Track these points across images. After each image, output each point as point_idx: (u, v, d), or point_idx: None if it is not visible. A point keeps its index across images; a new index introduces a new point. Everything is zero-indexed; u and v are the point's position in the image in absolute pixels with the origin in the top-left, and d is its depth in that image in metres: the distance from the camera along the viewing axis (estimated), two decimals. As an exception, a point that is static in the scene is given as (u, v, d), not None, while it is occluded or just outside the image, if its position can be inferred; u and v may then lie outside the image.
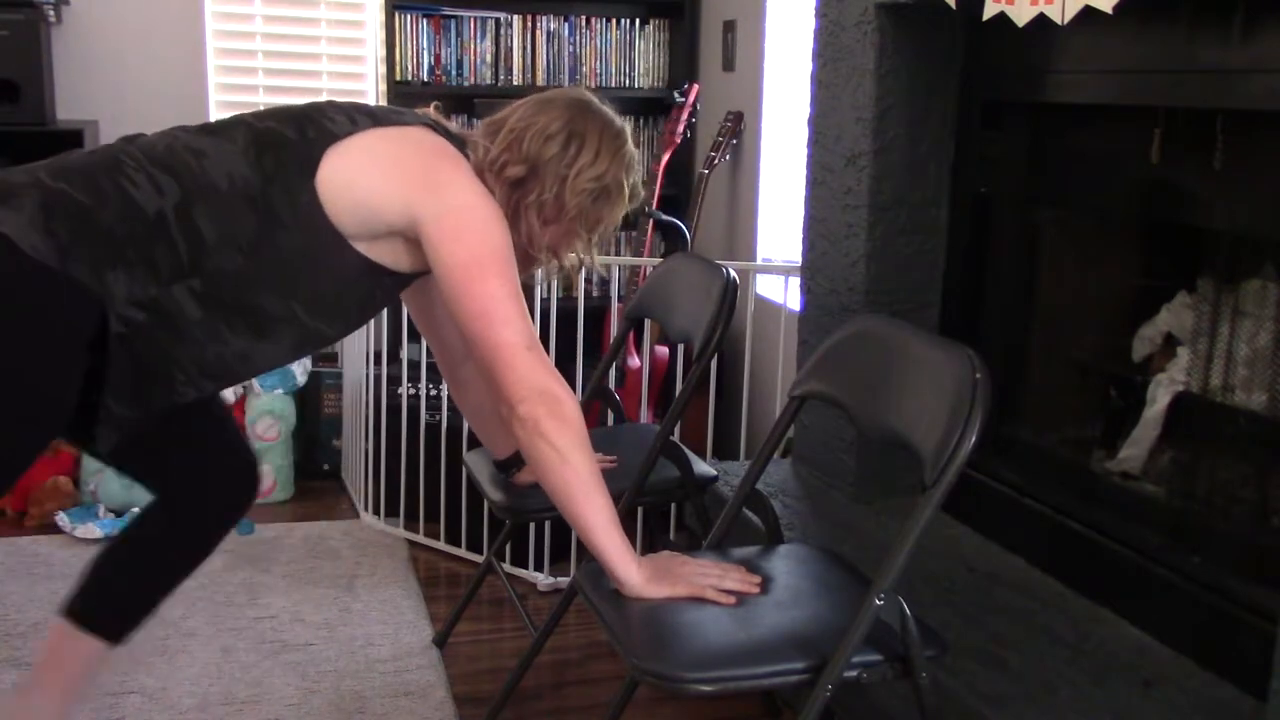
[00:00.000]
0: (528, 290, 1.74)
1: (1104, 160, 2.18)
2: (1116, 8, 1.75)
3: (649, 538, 2.85)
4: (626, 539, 1.66)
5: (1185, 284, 2.10)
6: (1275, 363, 1.90)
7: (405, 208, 1.67)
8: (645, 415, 3.37)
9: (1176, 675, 1.84)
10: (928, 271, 2.55)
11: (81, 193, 1.57)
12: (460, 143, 1.79)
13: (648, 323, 3.08)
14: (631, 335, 3.33)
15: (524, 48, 3.96)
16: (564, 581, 2.86)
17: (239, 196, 1.62)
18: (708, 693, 1.51)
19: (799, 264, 2.78)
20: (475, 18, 3.91)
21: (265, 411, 3.50)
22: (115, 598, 1.95)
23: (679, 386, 3.13)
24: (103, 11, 3.67)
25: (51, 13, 3.42)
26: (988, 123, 2.44)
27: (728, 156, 3.63)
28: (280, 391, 3.59)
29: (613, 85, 4.04)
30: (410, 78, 3.88)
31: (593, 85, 4.02)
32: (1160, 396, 2.10)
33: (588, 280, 3.93)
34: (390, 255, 1.73)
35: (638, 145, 4.12)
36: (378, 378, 3.30)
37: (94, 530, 3.12)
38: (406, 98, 3.88)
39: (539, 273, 1.94)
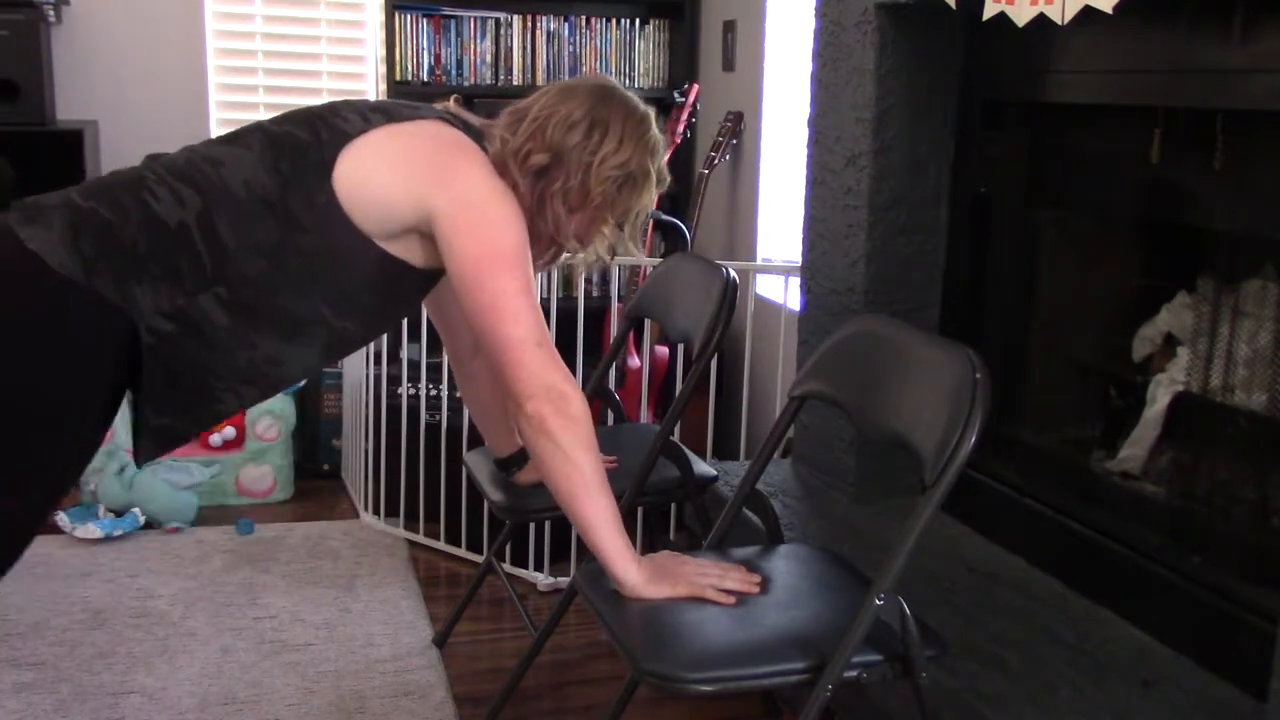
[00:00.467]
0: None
1: (1104, 160, 2.18)
2: (1116, 8, 1.75)
3: (649, 538, 2.85)
4: (628, 539, 1.66)
5: (1185, 284, 2.10)
6: (1275, 363, 1.90)
7: (418, 203, 1.66)
8: (645, 415, 3.37)
9: (1176, 675, 1.84)
10: (928, 271, 2.54)
11: (106, 209, 1.59)
12: (478, 135, 1.78)
13: (648, 323, 3.08)
14: (631, 335, 3.33)
15: (524, 48, 3.96)
16: (564, 581, 2.86)
17: (258, 202, 1.63)
18: (708, 693, 1.51)
19: (799, 264, 2.78)
20: (475, 18, 3.91)
21: (265, 411, 3.50)
22: None
23: (679, 386, 3.13)
24: (103, 11, 3.66)
25: (51, 13, 3.42)
26: (988, 123, 2.44)
27: (728, 156, 3.63)
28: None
29: (613, 85, 4.04)
30: (410, 78, 3.88)
31: (593, 85, 4.01)
32: (1160, 396, 2.10)
33: (588, 280, 3.94)
34: (411, 252, 1.72)
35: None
36: (378, 378, 3.30)
37: (94, 530, 3.12)
38: (407, 98, 3.88)
39: (568, 265, 1.92)
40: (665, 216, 3.77)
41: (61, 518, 3.19)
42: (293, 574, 3.01)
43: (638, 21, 4.03)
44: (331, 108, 1.74)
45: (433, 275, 1.79)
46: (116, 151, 3.72)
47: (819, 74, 2.64)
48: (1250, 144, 1.82)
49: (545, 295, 3.09)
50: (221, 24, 3.85)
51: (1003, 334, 2.47)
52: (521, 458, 2.24)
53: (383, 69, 3.86)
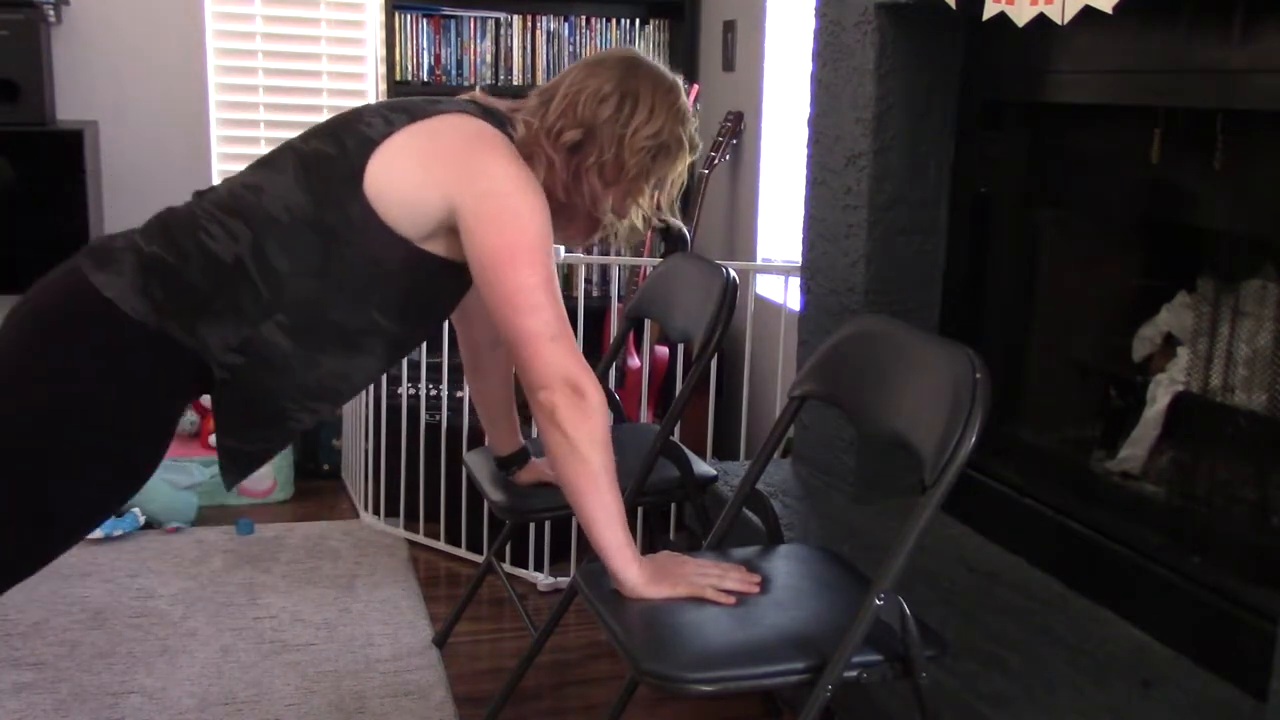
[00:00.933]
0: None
1: (1104, 160, 2.18)
2: (1116, 8, 1.75)
3: (649, 538, 2.85)
4: (630, 538, 1.66)
5: (1185, 284, 2.10)
6: (1275, 363, 1.90)
7: (444, 198, 1.67)
8: (645, 415, 3.37)
9: (1176, 675, 1.84)
10: (928, 271, 2.54)
11: (170, 254, 1.64)
12: (503, 121, 1.78)
13: (648, 323, 3.08)
14: (631, 335, 3.33)
15: (524, 48, 3.96)
16: (564, 581, 2.86)
17: (299, 223, 1.66)
18: (708, 693, 1.51)
19: (799, 264, 2.78)
20: (475, 18, 3.91)
21: (265, 411, 3.49)
22: None
23: (679, 386, 3.13)
24: (103, 11, 3.66)
25: (51, 13, 3.42)
26: (988, 123, 2.44)
27: (728, 156, 3.63)
28: (280, 391, 3.60)
29: (613, 85, 4.04)
30: (410, 78, 3.88)
31: (593, 85, 4.01)
32: (1160, 396, 2.10)
33: (588, 280, 3.94)
34: (449, 248, 1.72)
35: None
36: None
37: (93, 530, 3.12)
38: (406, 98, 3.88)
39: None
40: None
41: (61, 518, 3.19)
42: (293, 574, 3.01)
43: (638, 21, 4.03)
44: (355, 114, 1.75)
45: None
46: (116, 151, 3.72)
47: (819, 74, 2.64)
48: (1250, 144, 1.82)
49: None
50: (221, 24, 3.85)
51: (1003, 334, 2.47)
52: (522, 457, 2.24)
53: (383, 69, 3.86)
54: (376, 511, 3.33)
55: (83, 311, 1.61)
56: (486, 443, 2.32)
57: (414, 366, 3.28)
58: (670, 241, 3.87)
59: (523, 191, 1.68)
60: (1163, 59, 1.92)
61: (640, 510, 2.84)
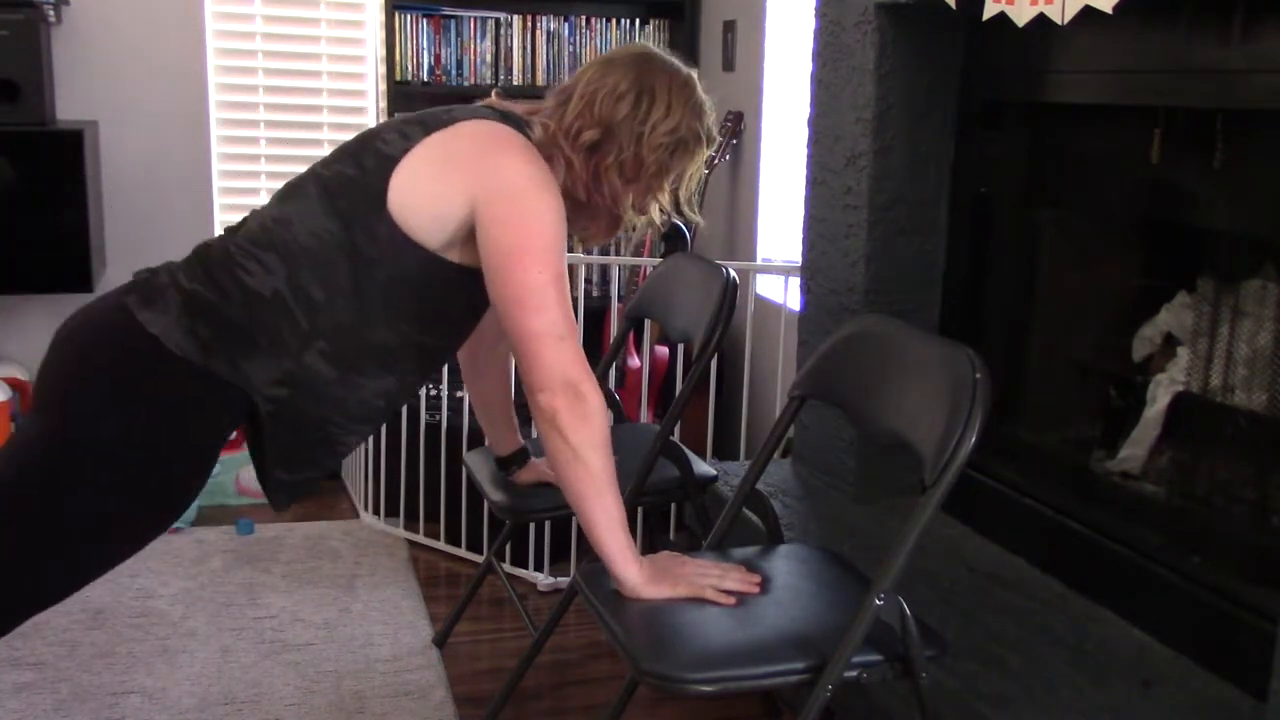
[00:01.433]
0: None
1: (1104, 160, 2.18)
2: (1116, 8, 1.75)
3: (649, 538, 2.85)
4: (630, 539, 1.66)
5: (1185, 284, 2.10)
6: (1275, 363, 1.90)
7: (464, 201, 1.67)
8: (645, 415, 3.37)
9: (1176, 675, 1.84)
10: (928, 271, 2.54)
11: (210, 292, 1.66)
12: (520, 123, 1.78)
13: (648, 323, 3.08)
14: (631, 335, 3.33)
15: (524, 48, 3.96)
16: (564, 581, 2.86)
17: (329, 248, 1.67)
18: (708, 693, 1.51)
19: (799, 264, 2.78)
20: (475, 18, 3.90)
21: (265, 411, 3.49)
22: None
23: (679, 386, 3.13)
24: (103, 11, 3.66)
25: (51, 13, 3.41)
26: (988, 123, 2.44)
27: (728, 156, 3.63)
28: (280, 391, 3.59)
29: (613, 85, 4.04)
30: (410, 78, 3.88)
31: (593, 85, 4.01)
32: (1160, 396, 2.10)
33: (588, 280, 3.93)
34: (473, 256, 1.72)
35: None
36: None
37: (94, 530, 3.12)
38: (406, 98, 3.88)
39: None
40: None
41: (61, 518, 3.19)
42: (293, 574, 3.01)
43: (638, 21, 4.03)
44: (372, 133, 1.76)
45: None
46: (116, 151, 3.72)
47: (819, 74, 2.64)
48: (1250, 144, 1.82)
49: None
50: (221, 24, 3.84)
51: (1003, 334, 2.47)
52: (521, 457, 2.24)
53: (383, 69, 3.86)
54: (376, 511, 3.33)
55: (128, 347, 1.64)
56: (486, 443, 2.32)
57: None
58: (670, 241, 3.87)
59: (538, 190, 1.68)
60: (1163, 59, 1.92)
61: (640, 510, 2.84)
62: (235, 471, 3.48)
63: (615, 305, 3.24)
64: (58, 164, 3.36)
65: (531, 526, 2.98)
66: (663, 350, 3.58)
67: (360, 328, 1.70)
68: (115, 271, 3.76)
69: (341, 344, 1.69)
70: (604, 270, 3.94)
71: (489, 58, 3.94)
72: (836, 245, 2.60)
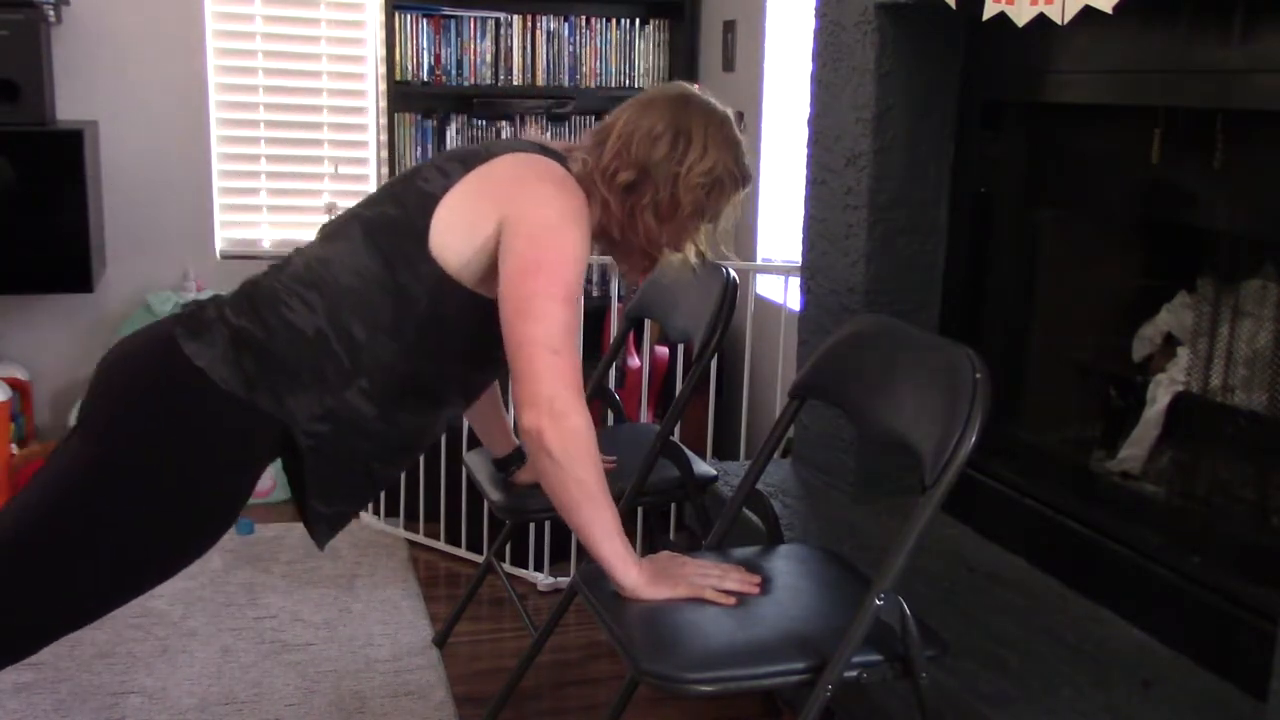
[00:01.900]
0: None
1: (1104, 160, 2.18)
2: (1116, 8, 1.75)
3: (649, 538, 2.85)
4: (628, 543, 1.66)
5: (1185, 284, 2.10)
6: (1275, 363, 1.90)
7: (495, 226, 1.68)
8: (645, 415, 3.37)
9: (1176, 675, 1.84)
10: (928, 271, 2.54)
11: (257, 328, 1.68)
12: (559, 157, 1.79)
13: (648, 323, 3.08)
14: (631, 335, 3.33)
15: (524, 48, 3.96)
16: (564, 581, 2.86)
17: (371, 287, 1.69)
18: (708, 693, 1.51)
19: (799, 264, 2.78)
20: (475, 18, 3.90)
21: (265, 411, 3.49)
22: None
23: (679, 386, 3.13)
24: (103, 11, 3.66)
25: (51, 13, 3.41)
26: (988, 123, 2.44)
27: (728, 156, 3.62)
28: (280, 391, 3.59)
29: (613, 85, 4.04)
30: (410, 78, 3.88)
31: (593, 85, 4.02)
32: (1160, 396, 2.10)
33: (587, 280, 3.93)
34: None
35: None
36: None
37: (94, 530, 3.12)
38: (406, 98, 3.89)
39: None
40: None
41: (61, 518, 3.19)
42: (293, 574, 3.01)
43: (638, 21, 4.03)
44: (413, 172, 1.78)
45: None
46: (116, 151, 3.72)
47: (819, 74, 2.64)
48: (1250, 144, 1.82)
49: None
50: (221, 24, 3.84)
51: (1003, 334, 2.47)
52: (520, 457, 2.24)
53: (383, 69, 3.86)
54: (376, 511, 3.33)
55: (174, 378, 1.66)
56: (484, 444, 2.32)
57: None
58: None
59: (567, 219, 1.69)
60: (1163, 59, 1.92)
61: (640, 510, 2.84)
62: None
63: (615, 305, 3.24)
64: (58, 164, 3.36)
65: (531, 526, 2.98)
66: (663, 350, 3.58)
67: (401, 366, 1.72)
68: (115, 271, 3.76)
69: (383, 382, 1.71)
70: (604, 270, 3.94)
71: (489, 58, 3.94)
72: (836, 245, 2.60)
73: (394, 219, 1.72)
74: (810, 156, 2.69)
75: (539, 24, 3.96)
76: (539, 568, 3.01)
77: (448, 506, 3.17)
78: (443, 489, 3.15)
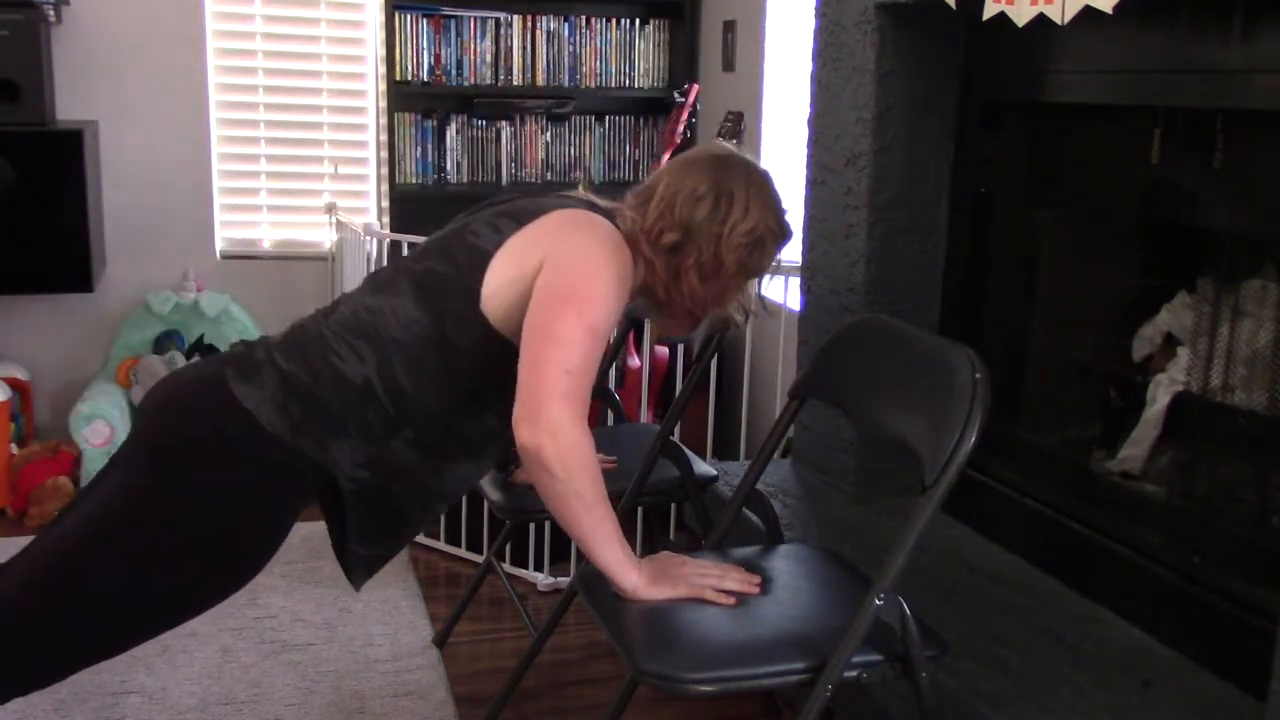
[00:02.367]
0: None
1: (1104, 160, 2.18)
2: (1116, 8, 1.75)
3: (649, 538, 2.85)
4: (627, 547, 1.66)
5: (1185, 284, 2.10)
6: (1275, 363, 1.90)
7: (538, 266, 1.69)
8: (645, 415, 3.37)
9: (1176, 675, 1.84)
10: (928, 271, 2.54)
11: (305, 374, 1.70)
12: (608, 214, 1.81)
13: (648, 323, 3.08)
14: (631, 335, 3.33)
15: (524, 48, 3.96)
16: (564, 581, 2.86)
17: (420, 341, 1.71)
18: (708, 693, 1.51)
19: (799, 264, 2.78)
20: (475, 18, 3.91)
21: (265, 411, 3.49)
22: None
23: (679, 386, 3.13)
24: (103, 11, 3.66)
25: (51, 13, 3.41)
26: (988, 123, 2.44)
27: (728, 156, 3.63)
28: (280, 391, 3.59)
29: (613, 85, 4.04)
30: (410, 78, 3.88)
31: (593, 85, 4.02)
32: (1160, 396, 2.10)
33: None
34: None
35: (636, 145, 4.14)
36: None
37: (94, 530, 3.12)
38: (406, 98, 3.89)
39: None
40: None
41: (61, 518, 3.19)
42: (293, 574, 3.01)
43: (638, 21, 4.03)
44: (463, 226, 1.79)
45: None
46: (116, 151, 3.73)
47: (819, 74, 2.64)
48: (1250, 144, 1.82)
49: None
50: (221, 24, 3.85)
51: (1003, 334, 2.47)
52: (519, 457, 2.24)
53: (383, 69, 3.86)
54: (376, 511, 3.33)
55: (221, 419, 1.68)
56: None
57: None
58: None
59: (607, 265, 1.70)
60: (1163, 59, 1.92)
61: (640, 510, 2.84)
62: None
63: (615, 305, 3.24)
64: (58, 164, 3.36)
65: (531, 526, 2.98)
66: (663, 350, 3.58)
67: (447, 418, 1.73)
68: (115, 271, 3.77)
69: (428, 433, 1.73)
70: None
71: (489, 58, 3.94)
72: (836, 245, 2.60)
73: (444, 275, 1.74)
74: (810, 156, 2.69)
75: (539, 24, 3.96)
76: (539, 568, 3.01)
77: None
78: (443, 489, 3.15)
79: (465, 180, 3.99)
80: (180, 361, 3.70)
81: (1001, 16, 1.98)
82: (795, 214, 2.87)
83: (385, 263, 3.39)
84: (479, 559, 3.05)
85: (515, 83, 3.97)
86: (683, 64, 4.02)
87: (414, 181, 3.96)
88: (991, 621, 2.01)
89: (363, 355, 1.71)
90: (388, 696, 2.44)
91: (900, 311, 2.50)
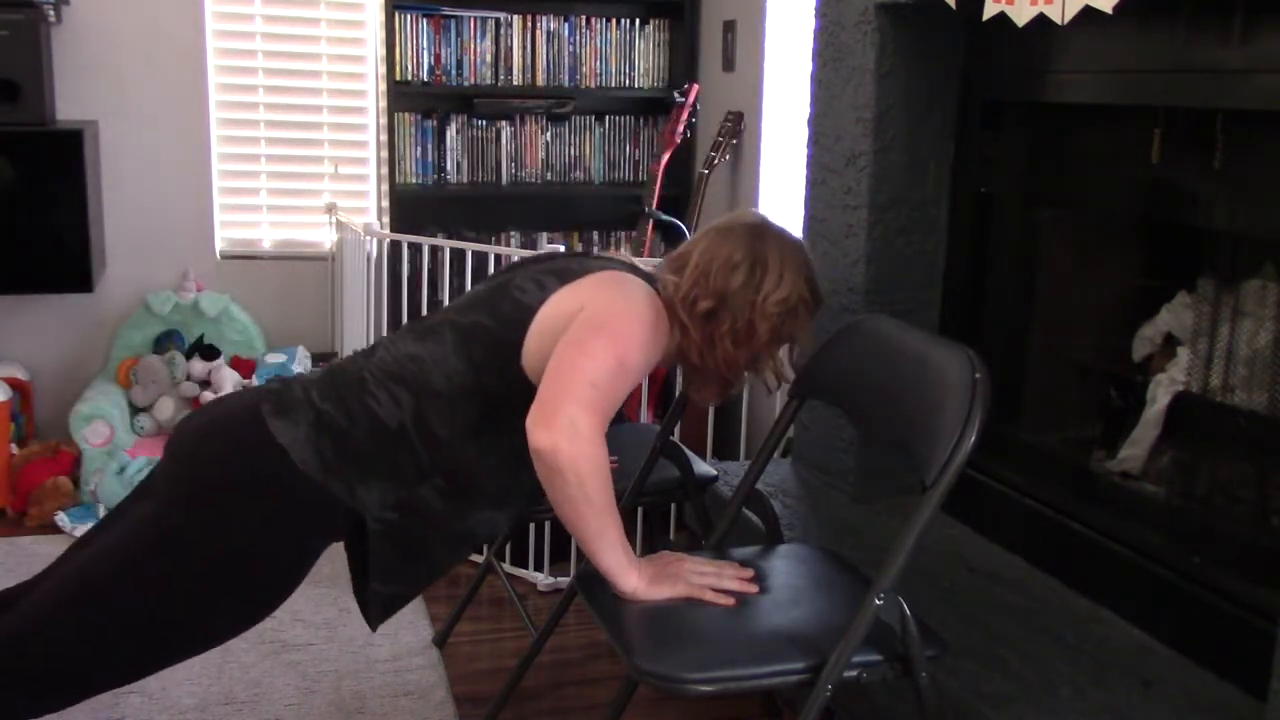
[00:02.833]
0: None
1: (1104, 160, 2.18)
2: (1116, 8, 1.75)
3: (649, 538, 2.85)
4: (629, 549, 1.67)
5: (1185, 284, 2.10)
6: (1275, 363, 1.90)
7: (574, 316, 1.70)
8: (645, 415, 3.37)
9: (1176, 675, 1.84)
10: (928, 271, 2.54)
11: (340, 414, 1.72)
12: (649, 278, 1.84)
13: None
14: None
15: (524, 48, 3.96)
16: (564, 581, 2.86)
17: (458, 391, 1.73)
18: (708, 693, 1.51)
19: (799, 264, 2.78)
20: (475, 18, 3.90)
21: (265, 411, 3.49)
22: None
23: (679, 386, 3.13)
24: (103, 11, 3.66)
25: (51, 13, 3.41)
26: (988, 123, 2.44)
27: (728, 156, 3.63)
28: (280, 391, 3.59)
29: (613, 85, 4.04)
30: (410, 78, 3.88)
31: (593, 85, 4.02)
32: (1160, 396, 2.10)
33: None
34: None
35: (636, 145, 4.14)
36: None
37: (94, 530, 3.12)
38: (406, 97, 3.89)
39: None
40: (665, 216, 3.77)
41: (61, 518, 3.19)
42: (293, 574, 3.01)
43: (638, 21, 4.03)
44: (508, 280, 1.81)
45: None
46: (116, 151, 3.73)
47: (819, 74, 2.64)
48: (1250, 144, 1.82)
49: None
50: (221, 24, 3.85)
51: (1003, 334, 2.47)
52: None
53: (383, 69, 3.86)
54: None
55: (255, 454, 1.70)
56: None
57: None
58: (670, 239, 3.87)
59: (645, 317, 1.72)
60: (1163, 59, 1.92)
61: (640, 510, 2.84)
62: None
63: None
64: (58, 164, 3.36)
65: (531, 526, 2.98)
66: (663, 350, 3.57)
67: (478, 469, 1.75)
68: (115, 271, 3.77)
69: (457, 481, 1.74)
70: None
71: (489, 58, 3.94)
72: (836, 245, 2.60)
73: (487, 328, 1.76)
74: (810, 156, 2.69)
75: (539, 24, 3.96)
76: (539, 568, 3.01)
77: (448, 506, 3.16)
78: (443, 489, 3.15)
79: (465, 180, 3.99)
80: (180, 361, 3.71)
81: (1001, 16, 1.98)
82: (795, 214, 2.87)
83: (385, 262, 3.40)
84: (479, 559, 3.05)
85: (515, 83, 3.97)
86: (683, 64, 4.02)
87: (414, 181, 3.96)
88: (991, 621, 2.01)
89: (400, 401, 1.72)
90: (388, 696, 2.44)
91: (900, 311, 2.50)
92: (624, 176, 4.14)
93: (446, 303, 3.04)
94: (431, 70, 3.90)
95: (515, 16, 3.93)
